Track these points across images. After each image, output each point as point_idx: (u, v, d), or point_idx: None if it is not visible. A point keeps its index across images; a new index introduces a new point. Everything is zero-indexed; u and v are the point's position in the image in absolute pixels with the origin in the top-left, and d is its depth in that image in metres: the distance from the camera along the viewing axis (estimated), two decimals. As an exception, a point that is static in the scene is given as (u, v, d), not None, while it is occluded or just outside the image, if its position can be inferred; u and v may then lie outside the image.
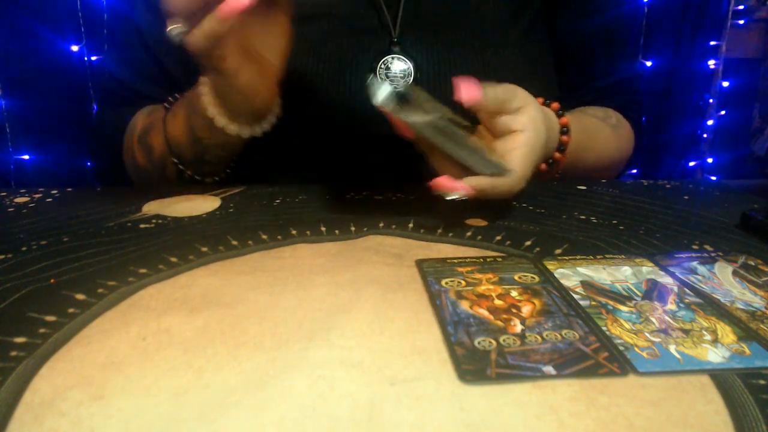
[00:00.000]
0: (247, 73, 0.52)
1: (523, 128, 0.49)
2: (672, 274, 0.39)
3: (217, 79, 0.53)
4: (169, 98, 0.63)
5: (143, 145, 0.64)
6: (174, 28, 0.48)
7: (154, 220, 0.49)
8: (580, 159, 0.64)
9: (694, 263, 0.41)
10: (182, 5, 0.47)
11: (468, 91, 0.47)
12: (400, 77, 0.65)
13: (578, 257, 0.42)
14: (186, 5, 0.47)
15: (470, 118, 0.49)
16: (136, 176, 0.68)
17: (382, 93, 0.45)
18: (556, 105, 0.60)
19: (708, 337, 0.32)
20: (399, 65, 0.65)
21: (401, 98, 0.46)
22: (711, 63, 1.64)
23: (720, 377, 0.28)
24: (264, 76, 0.54)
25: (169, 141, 0.61)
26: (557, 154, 0.59)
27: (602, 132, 0.70)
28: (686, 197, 0.58)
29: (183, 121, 0.59)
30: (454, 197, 0.46)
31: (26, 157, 1.39)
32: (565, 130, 0.59)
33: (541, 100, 0.59)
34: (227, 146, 0.59)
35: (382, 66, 0.65)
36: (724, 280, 0.39)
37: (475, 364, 0.29)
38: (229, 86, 0.53)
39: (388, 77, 0.65)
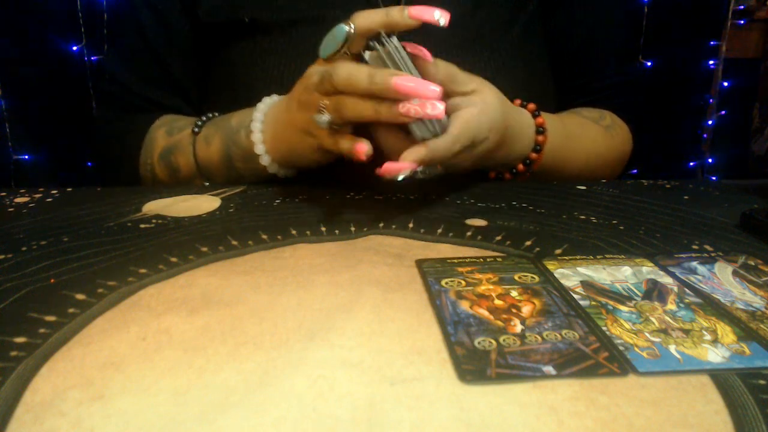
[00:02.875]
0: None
1: (470, 102, 0.51)
2: (672, 274, 0.39)
3: (305, 149, 0.55)
4: (197, 122, 0.64)
5: (166, 163, 0.65)
6: (323, 117, 0.50)
7: (154, 220, 0.49)
8: (564, 160, 0.64)
9: (694, 263, 0.41)
10: (349, 121, 0.49)
11: (419, 50, 0.49)
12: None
13: (578, 257, 0.42)
14: (352, 121, 0.49)
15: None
16: (153, 184, 0.68)
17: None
18: (532, 106, 0.61)
19: (708, 337, 0.32)
20: None
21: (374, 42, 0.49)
22: (711, 63, 1.64)
23: (720, 377, 0.28)
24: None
25: (201, 165, 0.62)
26: (533, 154, 0.60)
27: (591, 133, 0.70)
28: (686, 197, 0.58)
29: (219, 149, 0.61)
30: (402, 177, 0.47)
31: (26, 157, 1.39)
32: (540, 130, 0.60)
33: (517, 101, 0.60)
34: (263, 175, 0.60)
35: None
36: (724, 280, 0.39)
37: (475, 364, 0.29)
38: (309, 158, 0.56)
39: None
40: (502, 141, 0.55)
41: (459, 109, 0.51)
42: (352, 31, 0.48)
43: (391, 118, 0.47)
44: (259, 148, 0.57)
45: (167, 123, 0.68)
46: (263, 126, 0.57)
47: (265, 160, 0.57)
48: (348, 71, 0.48)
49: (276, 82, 0.64)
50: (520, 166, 0.60)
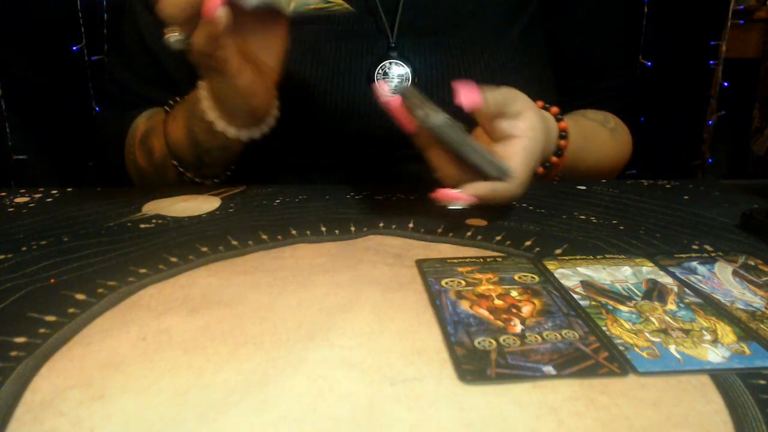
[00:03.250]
0: (247, 75, 0.52)
1: (522, 134, 0.49)
2: (672, 274, 0.39)
3: (217, 81, 0.53)
4: (170, 101, 0.63)
5: (144, 148, 0.64)
6: (171, 36, 0.48)
7: (154, 220, 0.49)
8: (578, 162, 0.64)
9: (694, 263, 0.41)
10: (177, 12, 0.47)
11: (468, 95, 0.47)
12: (398, 81, 0.65)
13: (578, 257, 0.42)
14: (181, 12, 0.47)
15: (467, 121, 0.49)
16: (138, 178, 0.68)
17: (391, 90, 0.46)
18: (555, 109, 0.60)
19: (708, 337, 0.32)
20: (397, 70, 0.65)
21: (407, 96, 0.47)
22: (711, 63, 1.64)
23: (720, 377, 0.28)
24: (262, 78, 0.54)
25: (169, 144, 0.61)
26: (554, 158, 0.59)
27: (600, 136, 0.70)
28: (686, 197, 0.58)
29: (182, 124, 0.60)
30: (456, 207, 0.46)
31: (26, 157, 1.39)
32: (563, 134, 0.59)
33: (540, 103, 0.59)
34: (226, 149, 0.59)
35: (380, 71, 0.65)
36: (724, 280, 0.39)
37: (475, 364, 0.29)
38: (228, 89, 0.53)
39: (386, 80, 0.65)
40: (540, 159, 0.54)
41: (506, 134, 0.49)
42: None
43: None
44: (210, 114, 0.55)
45: (151, 111, 0.68)
46: (208, 92, 0.56)
47: (217, 124, 0.56)
48: None
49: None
50: (540, 170, 0.59)
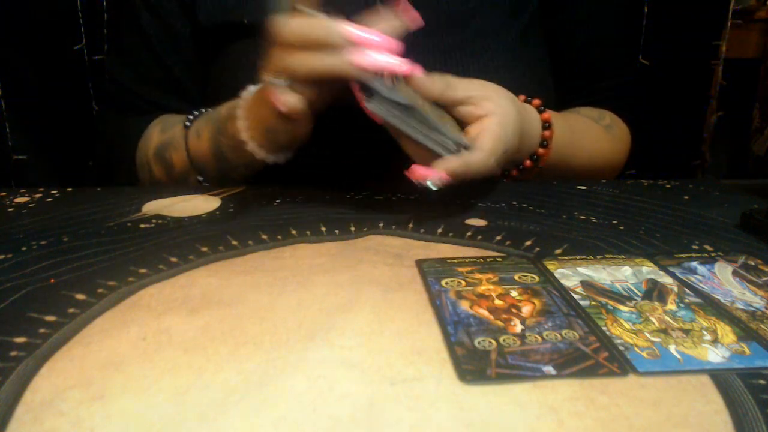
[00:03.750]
0: (309, 122, 0.53)
1: (488, 112, 0.50)
2: (672, 274, 0.39)
3: (276, 121, 0.53)
4: (189, 116, 0.63)
5: (161, 160, 0.65)
6: (275, 79, 0.48)
7: (154, 220, 0.49)
8: (568, 156, 0.64)
9: (694, 263, 0.41)
10: (302, 76, 0.47)
11: (411, 68, 0.48)
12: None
13: (578, 257, 0.42)
14: (305, 78, 0.47)
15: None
16: (150, 184, 0.68)
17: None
18: (537, 101, 0.60)
19: (708, 337, 0.32)
20: None
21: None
22: (711, 63, 1.64)
23: (720, 377, 0.28)
24: (312, 120, 0.54)
25: (192, 159, 0.62)
26: (540, 150, 0.59)
27: (592, 131, 0.70)
28: (686, 197, 0.58)
29: (208, 141, 0.60)
30: (430, 185, 0.46)
31: (26, 157, 1.39)
32: (546, 125, 0.59)
33: (522, 97, 0.60)
34: (253, 166, 0.59)
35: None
36: (724, 280, 0.39)
37: (475, 364, 0.29)
38: (283, 129, 0.54)
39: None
40: (519, 143, 0.55)
41: (472, 117, 0.50)
42: None
43: (343, 69, 0.46)
44: (244, 134, 0.55)
45: (163, 121, 0.68)
46: (246, 112, 0.56)
47: (250, 146, 0.56)
48: (294, 23, 0.46)
49: None
50: (528, 162, 0.60)
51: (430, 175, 0.46)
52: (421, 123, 0.47)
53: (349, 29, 0.46)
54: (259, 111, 0.55)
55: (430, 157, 0.47)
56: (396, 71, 0.46)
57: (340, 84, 0.48)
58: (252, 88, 0.58)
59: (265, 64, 0.49)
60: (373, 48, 0.46)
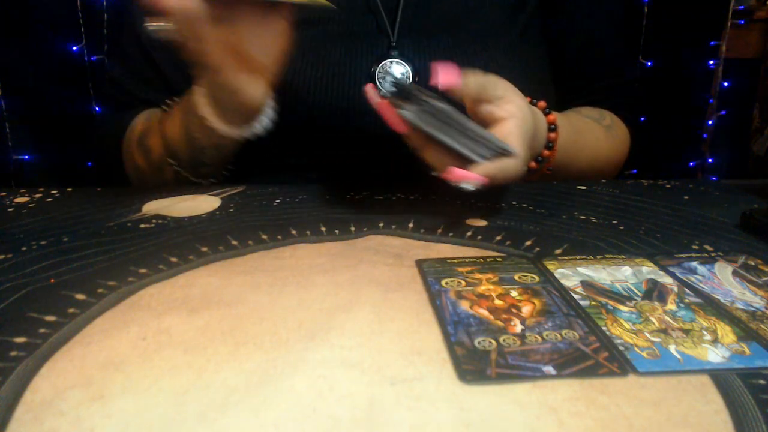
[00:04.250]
0: (233, 71, 0.52)
1: (510, 115, 0.50)
2: (672, 274, 0.39)
3: (204, 76, 0.54)
4: (167, 101, 0.63)
5: (142, 147, 0.65)
6: (151, 25, 0.48)
7: (154, 220, 0.49)
8: (571, 158, 0.64)
9: (694, 263, 0.41)
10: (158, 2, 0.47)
11: (446, 75, 0.48)
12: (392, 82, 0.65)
13: (578, 257, 0.42)
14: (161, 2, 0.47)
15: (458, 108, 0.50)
16: (136, 178, 0.68)
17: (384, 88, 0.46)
18: (542, 103, 0.60)
19: (708, 337, 0.32)
20: (398, 69, 0.65)
21: (400, 92, 0.47)
22: (711, 63, 1.64)
23: (720, 377, 0.28)
24: (253, 75, 0.54)
25: (166, 142, 0.62)
26: (546, 152, 0.59)
27: (594, 132, 0.70)
28: (686, 197, 0.58)
29: (179, 122, 0.60)
30: (467, 187, 0.46)
31: (26, 157, 1.39)
32: (552, 127, 0.59)
33: (528, 99, 0.60)
34: (221, 147, 0.59)
35: (381, 70, 0.65)
36: (724, 280, 0.39)
37: (475, 364, 0.29)
38: (215, 83, 0.54)
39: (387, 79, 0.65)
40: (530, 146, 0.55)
41: (492, 117, 0.50)
42: None
43: None
44: (202, 109, 0.56)
45: (150, 111, 0.68)
46: (202, 87, 0.56)
47: (210, 120, 0.56)
48: None
49: (275, 84, 0.64)
50: (533, 164, 0.60)
51: (470, 179, 0.46)
52: (456, 130, 0.47)
53: None
54: (204, 80, 0.55)
55: (454, 164, 0.47)
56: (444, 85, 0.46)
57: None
58: None
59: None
60: None
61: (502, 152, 0.47)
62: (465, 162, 0.47)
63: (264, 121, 0.58)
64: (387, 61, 0.65)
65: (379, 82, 0.48)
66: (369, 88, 0.49)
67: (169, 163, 0.62)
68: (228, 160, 0.63)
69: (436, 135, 0.46)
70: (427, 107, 0.46)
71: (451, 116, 0.47)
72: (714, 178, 1.63)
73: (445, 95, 0.49)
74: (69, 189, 0.58)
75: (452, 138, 0.46)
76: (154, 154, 0.63)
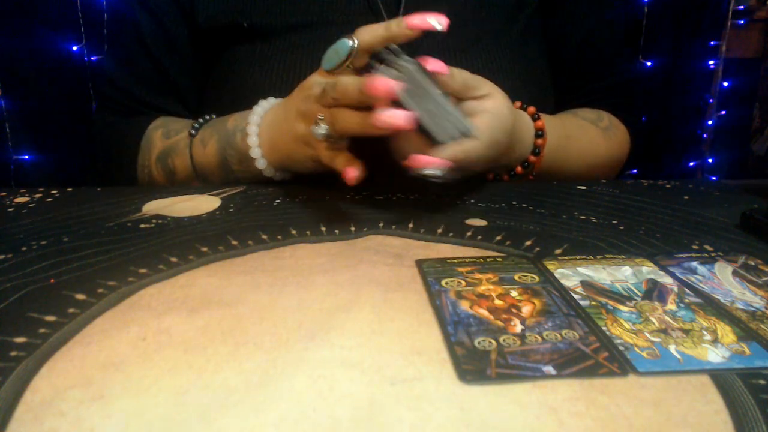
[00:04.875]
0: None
1: (484, 110, 0.51)
2: (672, 274, 0.39)
3: (304, 160, 0.55)
4: (194, 124, 0.64)
5: (163, 166, 0.65)
6: (319, 129, 0.50)
7: (154, 220, 0.49)
8: (560, 163, 0.64)
9: (694, 263, 0.41)
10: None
11: (435, 62, 0.49)
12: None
13: (578, 257, 0.42)
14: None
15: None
16: (149, 184, 0.68)
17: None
18: (532, 109, 0.61)
19: (708, 337, 0.32)
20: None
21: (375, 55, 0.48)
22: (711, 63, 1.64)
23: (720, 377, 0.28)
24: None
25: (197, 167, 0.62)
26: (532, 157, 0.60)
27: (588, 135, 0.70)
28: (686, 197, 0.58)
29: (215, 152, 0.61)
30: (431, 172, 0.46)
31: (26, 157, 1.39)
32: (539, 133, 0.60)
33: (518, 103, 0.60)
34: (259, 178, 0.60)
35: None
36: (724, 280, 0.39)
37: (475, 364, 0.29)
38: (303, 166, 0.56)
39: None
40: (510, 145, 0.55)
41: (474, 113, 0.50)
42: (356, 45, 0.48)
43: (370, 129, 0.47)
44: (255, 152, 0.57)
45: (164, 125, 0.68)
46: (259, 129, 0.57)
47: (261, 164, 0.58)
48: (346, 83, 0.48)
49: (275, 87, 0.64)
50: (519, 169, 0.61)
51: (433, 163, 0.46)
52: (422, 98, 0.47)
53: (369, 83, 0.45)
54: (278, 138, 0.56)
55: (423, 150, 0.47)
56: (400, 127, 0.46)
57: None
58: (264, 104, 0.59)
59: (310, 106, 0.51)
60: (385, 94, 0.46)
61: (464, 131, 0.47)
62: (428, 138, 0.47)
63: None
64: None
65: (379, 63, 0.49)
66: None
67: (199, 184, 0.63)
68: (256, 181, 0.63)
69: (404, 103, 0.46)
70: (399, 70, 0.47)
71: (420, 82, 0.47)
72: (714, 178, 1.63)
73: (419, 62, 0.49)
74: (69, 189, 0.58)
75: (418, 107, 0.46)
76: (180, 176, 0.64)
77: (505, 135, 0.53)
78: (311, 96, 0.51)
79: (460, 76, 0.50)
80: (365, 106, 0.47)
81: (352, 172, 0.49)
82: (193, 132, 0.63)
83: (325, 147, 0.51)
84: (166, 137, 0.66)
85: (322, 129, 0.49)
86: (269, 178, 0.59)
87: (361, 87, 0.46)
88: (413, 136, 0.47)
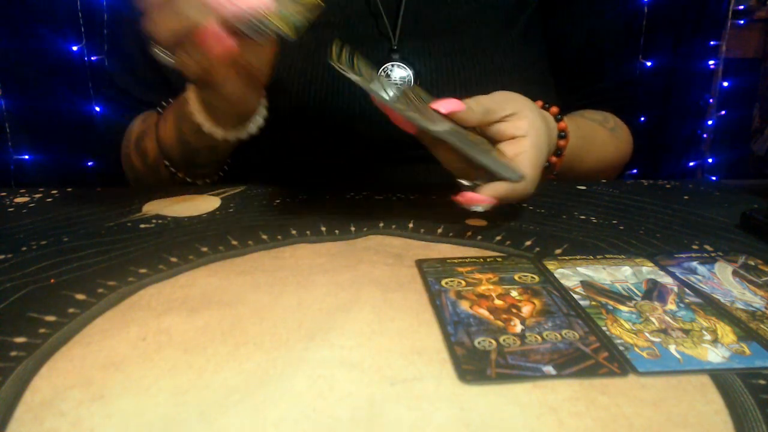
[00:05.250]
0: (233, 83, 0.52)
1: (524, 133, 0.48)
2: (672, 274, 0.39)
3: (204, 88, 0.54)
4: (162, 103, 0.64)
5: (139, 150, 0.65)
6: (160, 51, 0.48)
7: (154, 220, 0.49)
8: (578, 162, 0.64)
9: (694, 263, 0.41)
10: (169, 37, 0.45)
11: (447, 104, 0.47)
12: (400, 84, 0.65)
13: (578, 257, 0.42)
14: (173, 38, 0.45)
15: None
16: (133, 179, 0.69)
17: (388, 93, 0.45)
18: (555, 109, 0.60)
19: (708, 337, 0.32)
20: (399, 72, 0.65)
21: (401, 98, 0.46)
22: (711, 63, 1.64)
23: (720, 377, 0.28)
24: (249, 82, 0.54)
25: (160, 144, 0.62)
26: (553, 158, 0.59)
27: (600, 136, 0.70)
28: (686, 197, 0.58)
29: (172, 126, 0.60)
30: (478, 209, 0.46)
31: (26, 157, 1.39)
32: (562, 134, 0.59)
33: (540, 103, 0.59)
34: (215, 149, 0.59)
35: (382, 73, 0.65)
36: (724, 280, 0.39)
37: (475, 364, 0.29)
38: (214, 95, 0.54)
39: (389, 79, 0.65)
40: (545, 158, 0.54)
41: (505, 135, 0.48)
42: None
43: (201, 19, 0.43)
44: (197, 116, 0.56)
45: (147, 113, 0.68)
46: (195, 93, 0.56)
47: (205, 126, 0.56)
48: None
49: (274, 87, 0.64)
50: None
51: (480, 202, 0.45)
52: (468, 144, 0.46)
53: None
54: (202, 91, 0.55)
55: (468, 170, 0.46)
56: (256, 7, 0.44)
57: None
58: None
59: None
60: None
61: (515, 175, 0.46)
62: (473, 168, 0.46)
63: (258, 120, 0.58)
64: (388, 65, 0.65)
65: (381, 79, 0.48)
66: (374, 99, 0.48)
67: (165, 166, 0.62)
68: (223, 160, 0.63)
69: (464, 151, 0.45)
70: (431, 127, 0.45)
71: (464, 134, 0.46)
72: (714, 178, 1.63)
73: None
74: (69, 189, 0.58)
75: (477, 153, 0.45)
76: (150, 157, 0.64)
77: (546, 153, 0.51)
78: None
79: (477, 107, 0.48)
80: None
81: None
82: (159, 110, 0.63)
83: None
84: (143, 122, 0.67)
85: (159, 51, 0.47)
86: (225, 142, 0.57)
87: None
88: (454, 154, 0.46)
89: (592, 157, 0.67)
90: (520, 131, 0.48)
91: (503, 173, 0.46)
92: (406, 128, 0.47)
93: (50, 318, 0.33)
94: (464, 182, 0.47)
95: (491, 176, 0.46)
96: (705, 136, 1.70)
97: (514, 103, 0.49)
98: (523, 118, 0.49)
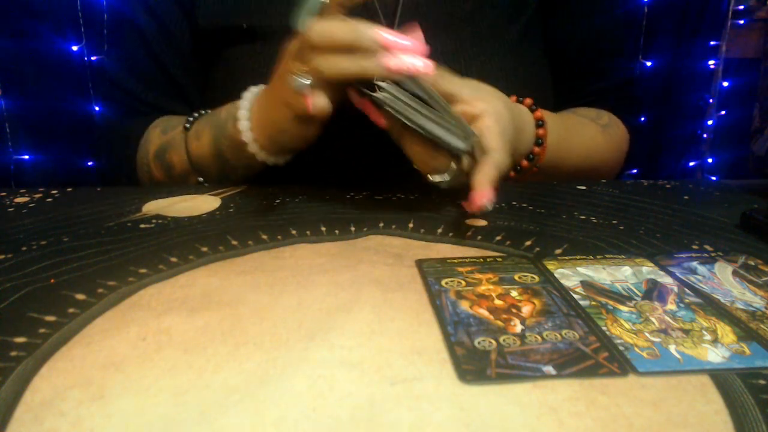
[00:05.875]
0: (318, 126, 0.53)
1: (481, 112, 0.49)
2: (672, 274, 0.39)
3: (288, 124, 0.53)
4: (189, 118, 0.63)
5: (161, 162, 0.65)
6: (300, 79, 0.48)
7: (154, 220, 0.49)
8: (563, 155, 0.64)
9: (694, 263, 0.41)
10: (332, 76, 0.47)
11: (414, 48, 0.48)
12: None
13: (578, 257, 0.42)
14: (335, 78, 0.47)
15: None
16: (150, 185, 0.68)
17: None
18: (528, 100, 0.60)
19: (708, 337, 0.32)
20: None
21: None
22: (711, 63, 1.64)
23: (720, 377, 0.28)
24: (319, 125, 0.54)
25: (193, 160, 0.62)
26: (536, 148, 0.59)
27: (587, 129, 0.70)
28: (686, 197, 0.58)
29: (209, 142, 0.60)
30: (488, 208, 0.46)
31: (26, 157, 1.39)
32: (540, 123, 0.60)
33: (514, 97, 0.60)
34: (253, 167, 0.59)
35: None
36: (724, 280, 0.39)
37: (475, 364, 0.29)
38: (293, 134, 0.54)
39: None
40: (516, 138, 0.55)
41: (466, 116, 0.49)
42: (327, 1, 0.47)
43: (373, 72, 0.46)
44: (247, 135, 0.56)
45: (163, 122, 0.68)
46: (249, 113, 0.56)
47: (252, 147, 0.56)
48: (323, 25, 0.47)
49: None
50: (524, 163, 0.60)
51: (485, 196, 0.46)
52: (428, 110, 0.46)
53: (379, 32, 0.46)
54: (264, 113, 0.55)
55: (433, 154, 0.47)
56: (420, 72, 0.46)
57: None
58: (254, 89, 0.58)
59: (288, 65, 0.50)
60: (402, 51, 0.46)
61: (468, 134, 0.47)
62: (441, 147, 0.47)
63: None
64: None
65: (378, 84, 0.48)
66: (350, 90, 0.49)
67: (196, 180, 0.63)
68: (255, 175, 0.63)
69: (410, 117, 0.46)
70: (406, 87, 0.46)
71: (427, 98, 0.47)
72: (714, 178, 1.63)
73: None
74: (69, 189, 0.58)
75: (426, 119, 0.46)
76: (177, 170, 0.64)
77: (512, 134, 0.52)
78: (289, 54, 0.50)
79: (443, 83, 0.49)
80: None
81: (316, 100, 0.48)
82: (187, 126, 0.63)
83: (305, 99, 0.49)
84: (164, 133, 0.66)
85: (304, 79, 0.48)
86: (263, 163, 0.58)
87: (375, 36, 0.46)
88: (418, 141, 0.47)
89: (579, 150, 0.67)
90: (477, 110, 0.50)
91: (454, 143, 0.47)
92: (377, 121, 0.48)
93: (50, 318, 0.33)
94: (434, 178, 0.48)
95: (455, 157, 0.48)
96: (705, 136, 1.70)
97: (477, 89, 0.51)
98: (482, 100, 0.50)
